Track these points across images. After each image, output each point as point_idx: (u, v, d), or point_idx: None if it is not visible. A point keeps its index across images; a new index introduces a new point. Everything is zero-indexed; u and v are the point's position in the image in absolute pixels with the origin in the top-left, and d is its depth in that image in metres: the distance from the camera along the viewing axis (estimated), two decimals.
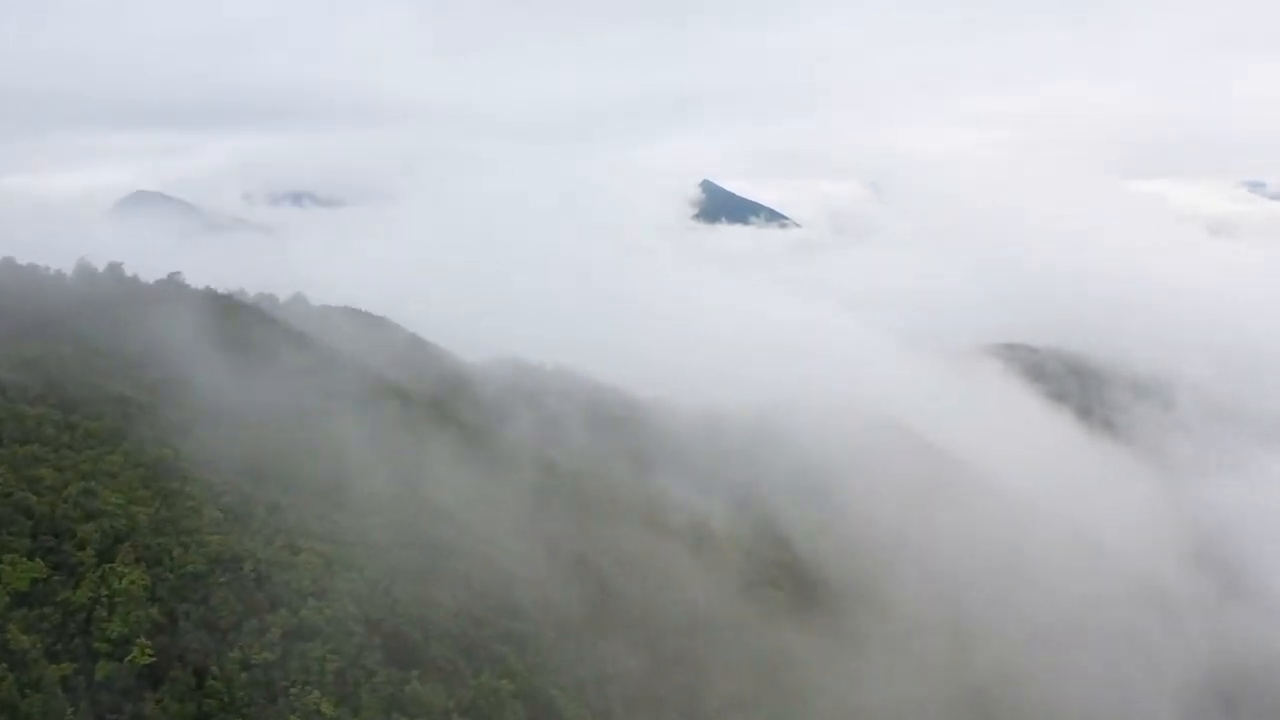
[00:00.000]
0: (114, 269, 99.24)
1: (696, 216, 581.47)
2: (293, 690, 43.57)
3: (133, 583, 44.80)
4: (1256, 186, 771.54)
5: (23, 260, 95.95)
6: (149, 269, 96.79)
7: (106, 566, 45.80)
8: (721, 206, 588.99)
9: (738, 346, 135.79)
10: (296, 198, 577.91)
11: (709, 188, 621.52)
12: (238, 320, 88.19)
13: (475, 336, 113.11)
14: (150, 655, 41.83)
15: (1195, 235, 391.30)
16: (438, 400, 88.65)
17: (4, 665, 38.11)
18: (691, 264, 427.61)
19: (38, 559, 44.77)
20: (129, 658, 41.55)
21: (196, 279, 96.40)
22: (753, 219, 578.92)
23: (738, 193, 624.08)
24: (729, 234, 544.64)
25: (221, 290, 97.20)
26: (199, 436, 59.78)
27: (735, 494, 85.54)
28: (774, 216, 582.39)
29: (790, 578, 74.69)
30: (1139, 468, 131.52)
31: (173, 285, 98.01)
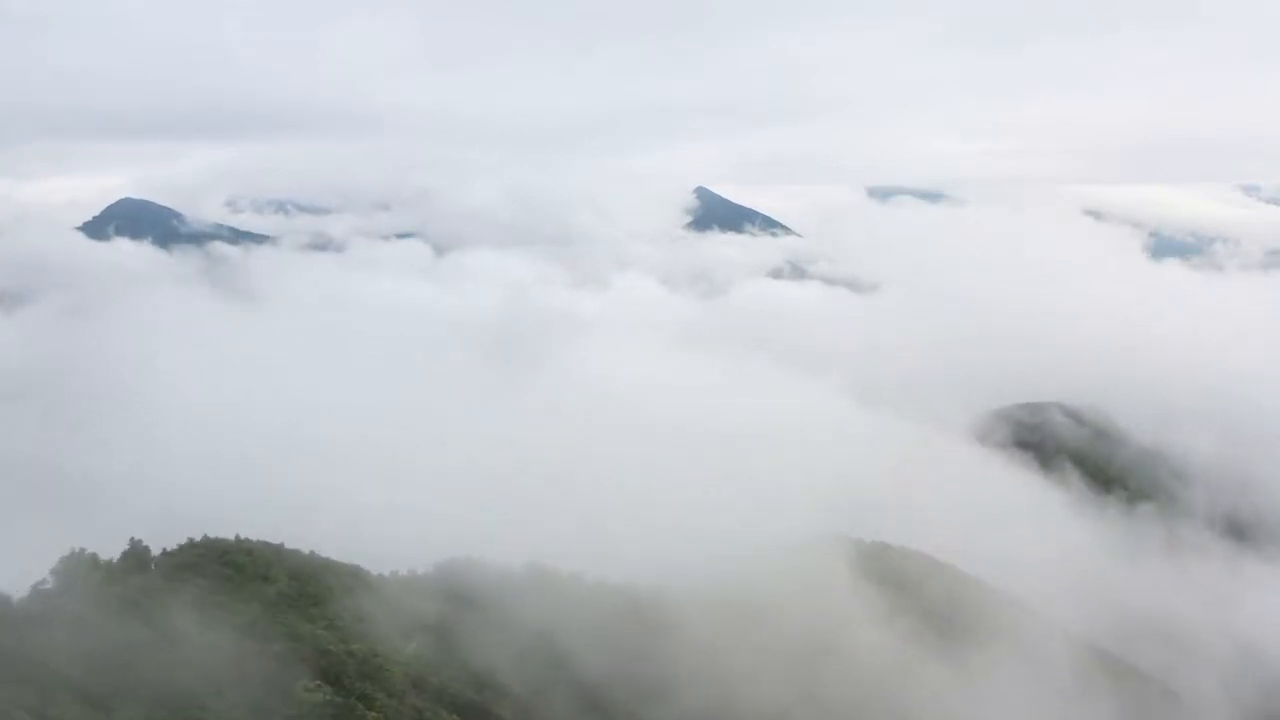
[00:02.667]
0: None
1: (689, 225, 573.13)
2: None
3: None
4: (1252, 190, 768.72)
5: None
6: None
7: None
8: (715, 214, 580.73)
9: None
10: (282, 205, 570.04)
11: (704, 194, 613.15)
12: None
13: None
14: None
15: (1179, 271, 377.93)
16: None
17: None
18: (673, 278, 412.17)
19: None
20: None
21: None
22: (748, 226, 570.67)
23: (733, 199, 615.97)
24: (720, 242, 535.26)
25: None
26: None
27: None
28: (769, 224, 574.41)
29: None
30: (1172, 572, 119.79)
31: None
